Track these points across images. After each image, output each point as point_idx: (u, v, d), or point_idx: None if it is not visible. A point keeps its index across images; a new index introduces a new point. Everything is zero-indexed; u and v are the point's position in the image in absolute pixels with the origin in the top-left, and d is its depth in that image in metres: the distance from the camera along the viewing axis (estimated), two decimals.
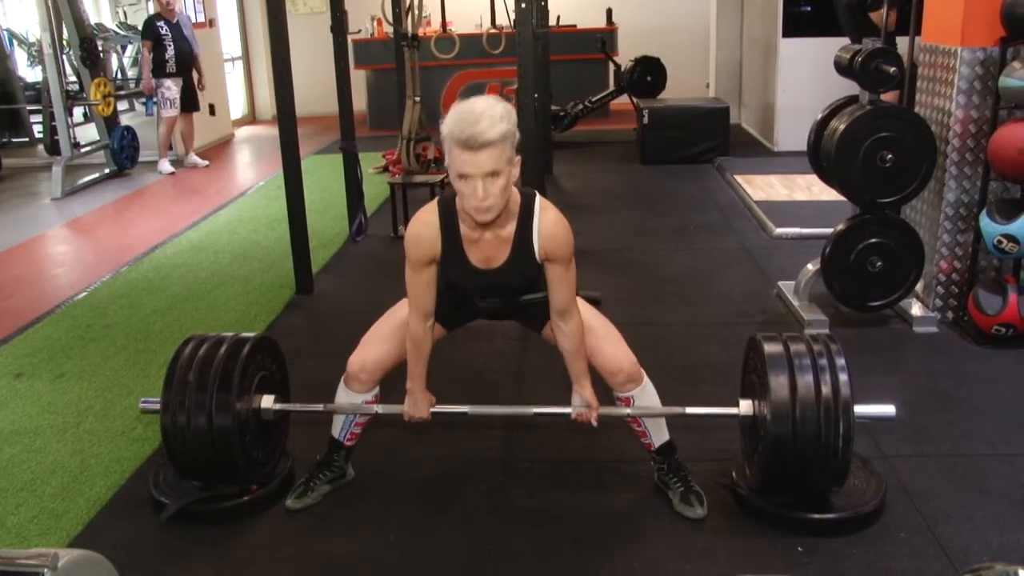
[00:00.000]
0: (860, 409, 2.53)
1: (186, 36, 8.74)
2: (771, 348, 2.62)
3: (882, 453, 3.07)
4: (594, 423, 2.66)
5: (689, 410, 2.76)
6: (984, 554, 2.52)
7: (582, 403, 2.66)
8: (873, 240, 4.02)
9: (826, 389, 2.50)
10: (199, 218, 6.97)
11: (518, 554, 2.64)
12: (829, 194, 4.69)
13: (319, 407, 2.89)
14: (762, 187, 6.96)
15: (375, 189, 6.98)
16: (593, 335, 2.68)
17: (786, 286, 4.58)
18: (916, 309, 4.24)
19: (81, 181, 8.45)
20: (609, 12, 10.94)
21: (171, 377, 2.71)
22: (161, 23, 8.56)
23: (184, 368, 2.71)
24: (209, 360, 2.71)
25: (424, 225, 2.49)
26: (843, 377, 2.52)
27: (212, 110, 9.03)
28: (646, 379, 2.76)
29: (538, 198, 2.48)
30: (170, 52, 8.58)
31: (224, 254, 5.90)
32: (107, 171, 8.89)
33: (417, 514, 2.85)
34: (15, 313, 4.96)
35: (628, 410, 2.74)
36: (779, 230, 5.82)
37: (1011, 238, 3.73)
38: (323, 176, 7.90)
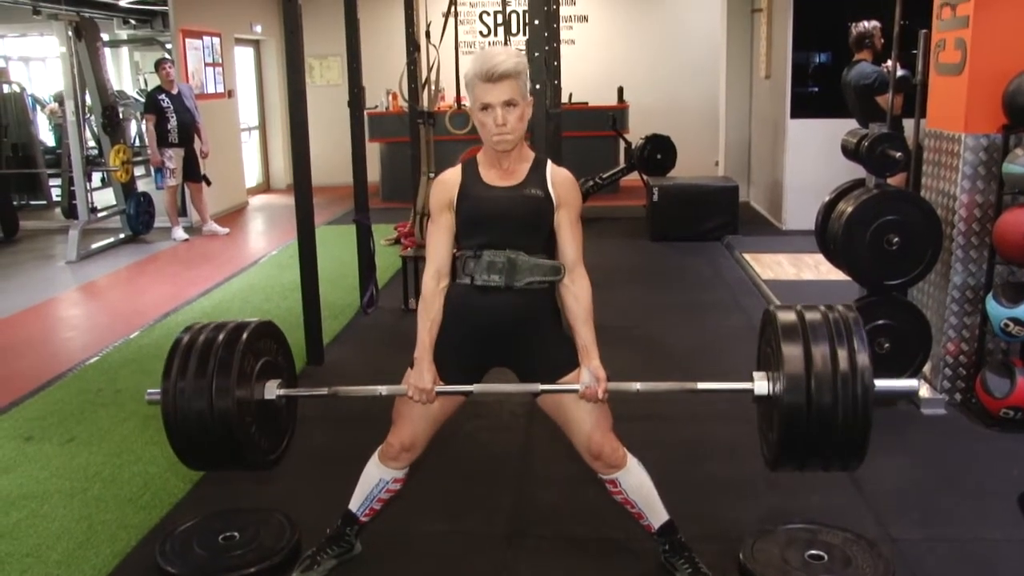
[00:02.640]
0: (882, 383, 2.42)
1: (188, 107, 8.94)
2: (785, 318, 2.51)
3: (890, 536, 3.06)
4: (601, 396, 2.59)
5: (701, 385, 2.67)
6: None
7: (590, 377, 2.59)
8: (880, 321, 4.05)
9: (843, 356, 2.37)
10: (212, 285, 7.05)
11: None
12: (836, 274, 4.73)
13: (323, 391, 2.81)
14: (770, 266, 7.02)
15: (386, 261, 7.05)
16: (582, 411, 2.65)
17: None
18: (924, 391, 4.25)
19: (96, 245, 8.57)
20: (620, 90, 11.16)
21: (171, 363, 2.60)
22: (162, 96, 8.78)
23: (184, 354, 2.61)
24: (209, 345, 2.61)
25: (447, 172, 2.70)
26: (860, 345, 2.39)
27: (207, 180, 9.17)
28: (630, 461, 2.73)
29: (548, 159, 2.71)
30: (172, 123, 8.79)
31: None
32: (122, 236, 9.02)
33: None
34: (27, 376, 4.99)
35: (638, 385, 2.64)
36: None
37: (1018, 321, 3.76)
38: (335, 246, 7.98)
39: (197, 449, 2.62)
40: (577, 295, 2.63)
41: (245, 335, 2.63)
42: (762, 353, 2.69)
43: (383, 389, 2.71)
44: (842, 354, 2.38)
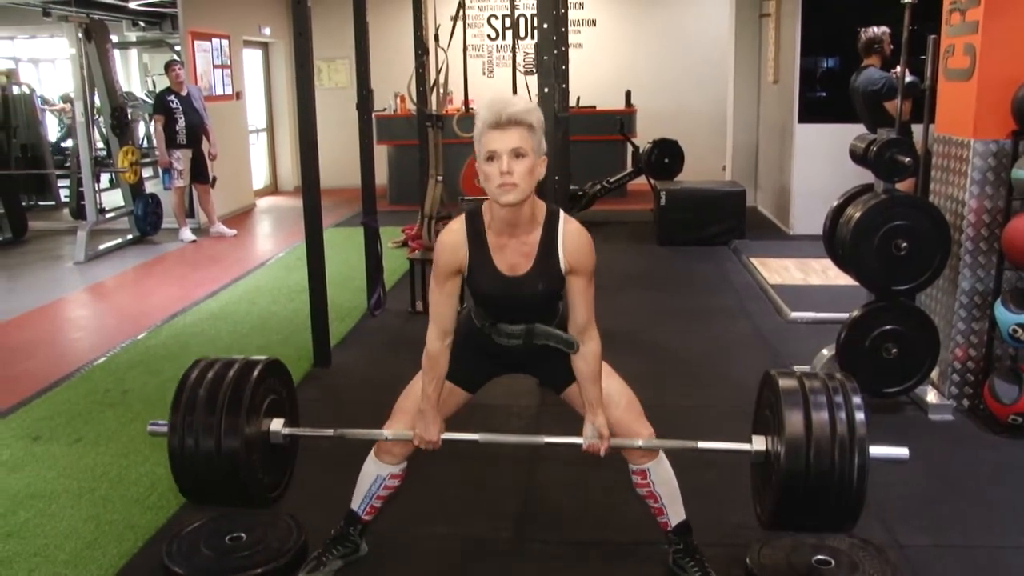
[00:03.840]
0: (874, 451, 2.47)
1: (196, 108, 8.95)
2: (786, 383, 2.56)
3: (897, 543, 3.05)
4: (602, 454, 2.61)
5: (701, 444, 2.70)
6: None
7: (594, 433, 2.61)
8: (888, 327, 4.04)
9: (841, 426, 2.43)
10: (219, 287, 7.06)
11: None
12: (844, 279, 4.72)
13: (329, 432, 2.84)
14: (777, 270, 7.01)
15: (394, 263, 7.06)
16: (613, 406, 2.67)
17: (801, 371, 4.58)
18: (931, 396, 4.24)
19: (104, 246, 8.60)
20: (628, 94, 11.15)
21: (179, 398, 2.64)
22: (171, 97, 8.80)
23: (193, 390, 2.64)
24: (219, 382, 2.64)
25: (452, 231, 2.54)
26: (858, 415, 2.45)
27: (213, 182, 9.20)
28: (662, 454, 2.76)
29: (562, 211, 2.55)
30: (180, 124, 8.80)
31: (243, 324, 5.96)
32: (130, 237, 9.05)
33: None
34: (34, 376, 5.01)
35: (640, 442, 2.67)
36: (794, 314, 5.85)
37: None
38: (342, 249, 7.98)
39: (202, 486, 2.66)
40: (585, 357, 2.60)
41: (255, 374, 2.67)
42: (760, 416, 2.74)
43: (388, 433, 2.76)
44: (841, 423, 2.44)
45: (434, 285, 2.58)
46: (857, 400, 2.49)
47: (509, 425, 4.15)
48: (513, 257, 2.50)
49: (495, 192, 2.36)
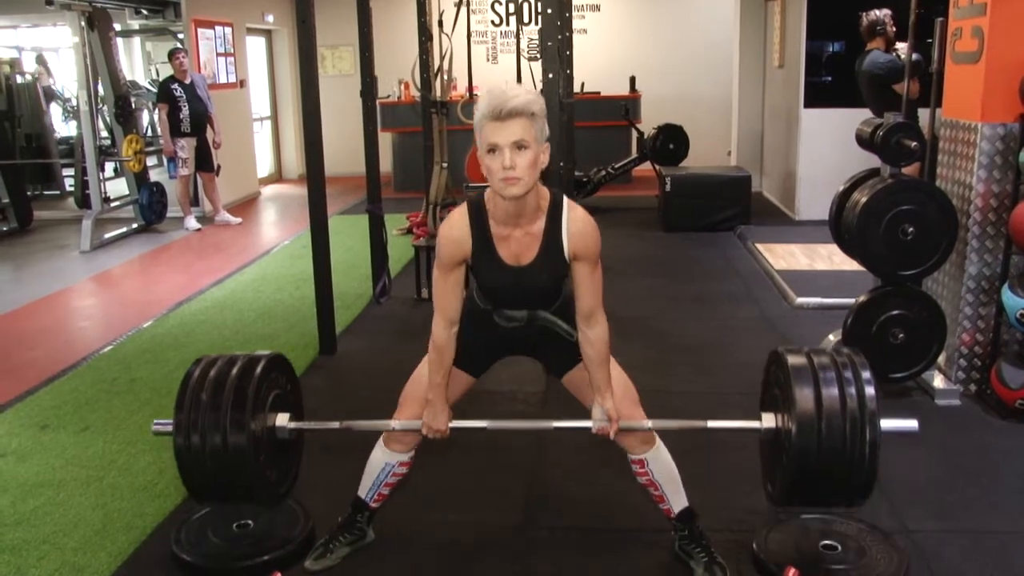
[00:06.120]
0: (884, 424, 2.44)
1: (200, 96, 8.94)
2: (794, 360, 2.54)
3: (905, 528, 3.05)
4: (612, 436, 2.61)
5: (711, 423, 2.70)
6: None
7: (602, 416, 2.60)
8: (895, 312, 4.03)
9: (851, 400, 2.42)
10: (224, 275, 7.06)
11: None
12: (850, 264, 4.71)
13: (335, 424, 2.84)
14: (783, 256, 7.00)
15: (399, 251, 7.06)
16: None
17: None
18: (938, 381, 4.23)
19: (109, 235, 8.61)
20: (633, 80, 11.12)
21: (183, 397, 2.62)
22: (175, 85, 8.79)
23: (196, 388, 2.61)
24: (222, 380, 2.62)
25: (455, 222, 2.51)
26: (868, 388, 2.44)
27: (217, 171, 9.20)
28: (659, 442, 2.76)
29: (566, 198, 2.51)
30: (184, 112, 8.79)
31: (249, 312, 5.96)
32: (135, 226, 9.06)
33: None
34: (41, 365, 5.02)
35: (649, 423, 2.67)
36: (800, 300, 5.83)
37: None
38: (347, 236, 8.00)
39: (209, 483, 2.63)
40: (593, 341, 2.57)
41: (258, 370, 2.65)
42: (768, 393, 2.72)
43: (395, 424, 2.75)
44: (851, 399, 2.42)
45: (438, 275, 2.56)
46: (866, 374, 2.47)
47: (516, 411, 4.15)
48: (517, 247, 2.48)
49: (498, 186, 2.33)
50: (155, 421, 2.69)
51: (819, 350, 2.61)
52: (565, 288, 2.64)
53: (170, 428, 2.59)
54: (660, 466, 2.76)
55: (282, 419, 2.74)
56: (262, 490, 2.66)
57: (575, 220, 2.47)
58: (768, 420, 2.62)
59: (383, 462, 2.85)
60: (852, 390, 2.43)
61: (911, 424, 2.55)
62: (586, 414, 2.68)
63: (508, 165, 2.27)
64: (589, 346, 2.58)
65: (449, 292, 2.56)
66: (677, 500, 2.81)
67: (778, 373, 2.62)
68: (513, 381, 4.29)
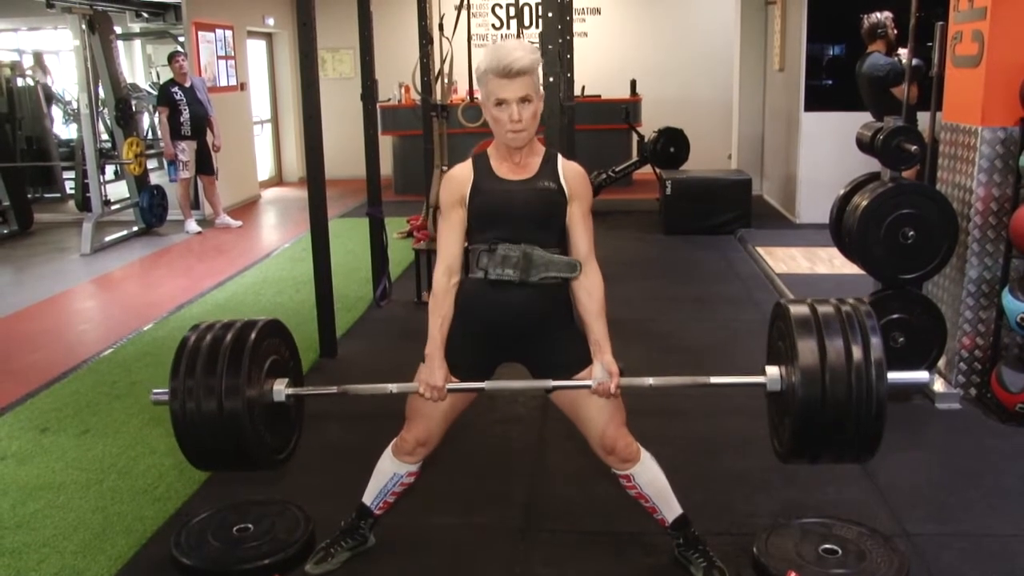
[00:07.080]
0: (894, 376, 2.40)
1: (200, 99, 8.95)
2: (797, 311, 2.50)
3: (905, 531, 3.05)
4: (613, 391, 2.58)
5: (714, 379, 2.66)
6: None
7: (603, 371, 2.58)
8: (895, 315, 4.03)
9: (857, 350, 2.37)
10: (225, 278, 7.07)
11: None
12: (851, 268, 4.71)
13: (333, 389, 2.82)
14: (784, 259, 7.00)
15: (399, 254, 7.06)
16: (593, 402, 2.64)
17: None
18: (939, 385, 4.23)
19: (110, 238, 8.61)
20: (633, 83, 11.12)
21: (179, 362, 2.57)
22: (175, 88, 8.80)
23: (192, 353, 2.58)
24: (218, 343, 2.58)
25: (458, 167, 2.67)
26: (874, 338, 2.39)
27: (216, 174, 9.22)
28: (644, 456, 2.73)
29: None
30: (185, 116, 8.80)
31: (249, 315, 5.92)
32: (135, 228, 9.06)
33: None
34: (42, 368, 5.02)
35: (651, 380, 2.64)
36: None
37: None
38: (348, 239, 8.00)
39: (206, 449, 2.59)
40: (589, 290, 2.61)
41: (254, 334, 2.61)
42: (772, 347, 2.67)
43: (393, 387, 2.70)
44: (856, 347, 2.37)
45: (441, 220, 2.68)
46: (872, 323, 2.42)
47: (516, 411, 4.15)
48: (514, 169, 2.61)
49: (506, 136, 2.52)
50: (153, 391, 2.64)
51: (822, 299, 2.56)
52: (559, 235, 2.64)
53: (167, 396, 2.55)
54: (647, 480, 2.74)
55: (279, 384, 2.70)
56: (260, 456, 2.61)
57: (569, 165, 2.67)
58: (772, 373, 2.57)
59: (391, 472, 2.83)
60: (858, 340, 2.38)
61: (921, 375, 2.52)
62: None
63: (516, 118, 2.47)
64: (586, 295, 2.62)
65: (450, 233, 2.63)
66: (669, 510, 2.79)
67: (781, 325, 2.57)
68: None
